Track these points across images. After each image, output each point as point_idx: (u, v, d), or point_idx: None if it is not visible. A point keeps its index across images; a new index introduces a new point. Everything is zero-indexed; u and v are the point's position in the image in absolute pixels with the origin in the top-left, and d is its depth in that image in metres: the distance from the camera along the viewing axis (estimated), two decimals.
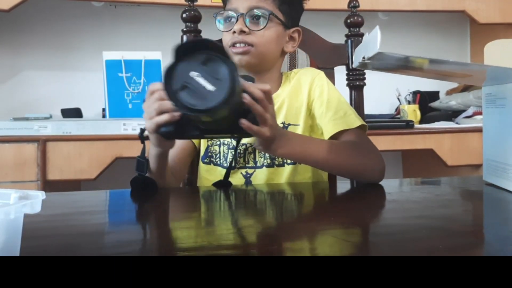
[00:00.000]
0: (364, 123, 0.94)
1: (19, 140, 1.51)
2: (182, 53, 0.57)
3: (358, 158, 0.86)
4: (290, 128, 0.95)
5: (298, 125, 0.97)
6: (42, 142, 1.51)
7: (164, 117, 0.66)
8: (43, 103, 2.07)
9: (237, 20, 0.91)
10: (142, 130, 0.78)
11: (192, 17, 1.14)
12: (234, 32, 0.91)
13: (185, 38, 1.15)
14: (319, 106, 0.96)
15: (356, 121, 0.93)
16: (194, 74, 0.56)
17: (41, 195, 0.41)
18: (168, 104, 0.62)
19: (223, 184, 0.87)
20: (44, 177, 1.51)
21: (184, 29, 1.15)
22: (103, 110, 1.87)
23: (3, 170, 1.50)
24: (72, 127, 1.57)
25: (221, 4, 1.02)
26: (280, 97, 0.99)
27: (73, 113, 1.96)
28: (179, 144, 0.96)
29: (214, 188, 0.86)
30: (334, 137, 0.92)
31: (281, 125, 0.95)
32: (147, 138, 0.76)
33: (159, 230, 0.60)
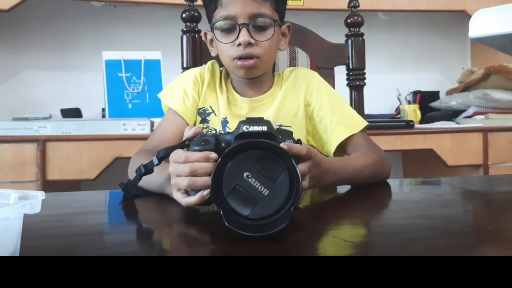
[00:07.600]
0: (366, 122, 0.95)
1: (18, 140, 1.51)
2: (233, 153, 0.49)
3: (377, 164, 0.84)
4: None
5: (290, 127, 0.95)
6: (42, 142, 1.51)
7: (194, 200, 0.59)
8: (43, 103, 2.07)
9: (239, 31, 0.85)
10: (143, 172, 0.68)
11: (192, 17, 1.14)
12: (240, 44, 0.86)
13: (185, 38, 1.15)
14: (318, 110, 0.95)
15: (361, 123, 0.93)
16: (246, 175, 0.48)
17: (40, 195, 0.41)
18: (199, 181, 0.57)
19: None
20: (43, 177, 1.51)
21: (184, 29, 1.15)
22: (103, 110, 1.87)
23: (3, 170, 1.50)
24: (71, 127, 1.57)
25: None
26: (273, 97, 0.97)
27: (73, 113, 1.96)
28: (171, 127, 0.93)
29: None
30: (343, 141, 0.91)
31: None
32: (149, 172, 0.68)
33: (159, 229, 0.60)
